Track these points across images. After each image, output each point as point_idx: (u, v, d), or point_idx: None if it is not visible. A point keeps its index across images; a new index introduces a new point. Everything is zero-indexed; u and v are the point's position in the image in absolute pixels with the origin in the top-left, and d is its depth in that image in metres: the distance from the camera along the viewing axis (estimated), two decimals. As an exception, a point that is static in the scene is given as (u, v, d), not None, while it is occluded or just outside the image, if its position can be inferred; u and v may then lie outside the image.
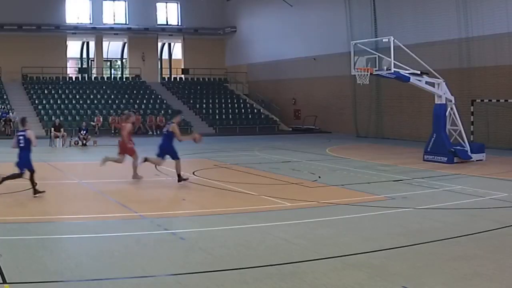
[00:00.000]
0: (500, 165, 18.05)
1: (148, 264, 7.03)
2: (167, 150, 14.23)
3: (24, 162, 11.90)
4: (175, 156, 14.10)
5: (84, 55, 43.77)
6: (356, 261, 7.23)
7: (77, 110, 34.61)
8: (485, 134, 23.46)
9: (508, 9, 23.29)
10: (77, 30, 40.80)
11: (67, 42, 41.11)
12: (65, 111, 34.17)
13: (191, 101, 39.10)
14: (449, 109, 18.79)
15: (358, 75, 18.39)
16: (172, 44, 45.92)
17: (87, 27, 40.91)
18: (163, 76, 45.04)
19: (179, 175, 13.81)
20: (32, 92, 36.47)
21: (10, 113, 31.28)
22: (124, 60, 44.52)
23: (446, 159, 18.09)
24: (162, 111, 35.72)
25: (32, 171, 11.87)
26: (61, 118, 30.37)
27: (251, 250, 7.79)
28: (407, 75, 18.04)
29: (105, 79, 41.85)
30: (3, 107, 32.22)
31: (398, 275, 6.66)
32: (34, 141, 12.14)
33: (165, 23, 43.69)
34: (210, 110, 37.99)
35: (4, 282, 6.17)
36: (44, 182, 13.59)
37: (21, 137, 12.05)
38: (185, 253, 7.68)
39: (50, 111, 33.75)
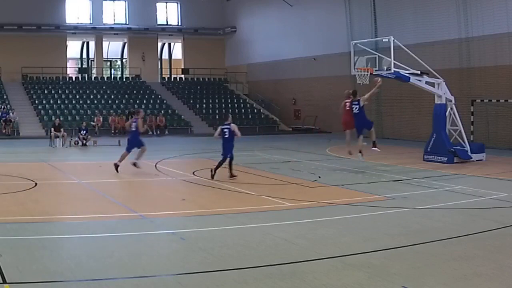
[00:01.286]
0: (500, 165, 18.05)
1: (148, 264, 7.05)
2: (364, 123, 16.50)
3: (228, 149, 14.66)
4: (370, 126, 16.63)
5: (84, 55, 43.76)
6: (356, 261, 7.24)
7: (77, 110, 34.60)
8: (485, 134, 23.46)
9: (508, 9, 23.29)
10: (77, 30, 40.79)
11: (67, 42, 41.07)
12: (65, 111, 34.16)
13: (191, 101, 39.11)
14: (449, 109, 18.79)
15: (358, 75, 18.37)
16: (172, 44, 45.92)
17: (87, 27, 40.89)
18: (163, 76, 45.03)
19: (374, 142, 16.57)
20: (32, 92, 36.45)
21: (10, 113, 31.27)
22: (124, 60, 44.50)
23: (446, 159, 18.09)
24: (162, 111, 35.72)
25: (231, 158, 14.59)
26: (61, 118, 30.34)
27: (251, 250, 7.80)
28: (407, 75, 18.03)
29: (105, 79, 41.83)
30: (3, 107, 32.21)
31: (398, 275, 6.66)
32: (237, 133, 14.76)
33: (165, 23, 43.68)
34: (210, 110, 37.98)
35: (4, 282, 6.17)
36: (44, 182, 13.62)
37: (225, 130, 14.72)
38: (185, 253, 7.70)
39: (50, 111, 33.74)
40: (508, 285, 6.39)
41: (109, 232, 8.82)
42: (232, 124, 14.84)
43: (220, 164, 14.60)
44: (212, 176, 14.20)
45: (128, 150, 16.06)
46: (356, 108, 16.45)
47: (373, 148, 16.53)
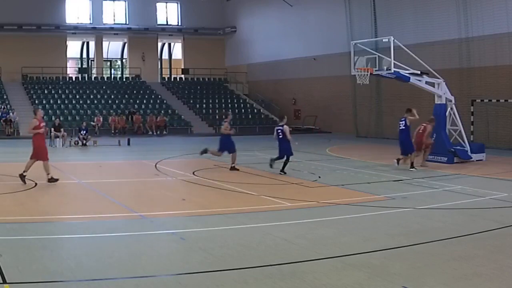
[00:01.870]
0: (500, 165, 18.08)
1: (148, 264, 7.05)
2: (407, 144, 16.88)
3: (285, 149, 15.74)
4: (412, 151, 16.69)
5: (84, 55, 43.91)
6: (356, 261, 7.25)
7: (77, 110, 34.67)
8: (485, 134, 23.49)
9: (508, 9, 23.33)
10: (77, 30, 40.93)
11: (67, 42, 41.23)
12: (65, 111, 34.23)
13: (191, 101, 39.18)
14: (449, 109, 18.83)
15: (358, 75, 18.42)
16: (172, 44, 46.04)
17: (87, 27, 41.01)
18: (163, 76, 45.17)
19: (412, 163, 16.44)
20: (32, 92, 36.55)
21: (10, 113, 31.28)
22: (124, 60, 44.60)
23: (446, 159, 18.12)
24: (162, 111, 35.77)
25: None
26: (61, 118, 30.37)
27: (251, 250, 7.80)
28: (407, 75, 18.08)
29: (105, 79, 41.97)
30: (3, 107, 32.23)
31: (398, 275, 6.67)
32: (287, 135, 15.63)
33: (165, 23, 43.79)
34: (210, 110, 38.02)
35: (4, 282, 6.18)
36: (44, 182, 13.61)
37: (279, 131, 15.67)
38: (185, 253, 7.70)
39: (50, 111, 33.77)
40: (508, 285, 6.39)
41: (109, 232, 8.82)
42: (284, 126, 15.72)
43: (284, 163, 15.58)
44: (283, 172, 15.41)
45: (220, 150, 16.46)
46: (402, 124, 17.25)
47: (411, 169, 16.53)
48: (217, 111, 37.83)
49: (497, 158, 19.59)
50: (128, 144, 25.91)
